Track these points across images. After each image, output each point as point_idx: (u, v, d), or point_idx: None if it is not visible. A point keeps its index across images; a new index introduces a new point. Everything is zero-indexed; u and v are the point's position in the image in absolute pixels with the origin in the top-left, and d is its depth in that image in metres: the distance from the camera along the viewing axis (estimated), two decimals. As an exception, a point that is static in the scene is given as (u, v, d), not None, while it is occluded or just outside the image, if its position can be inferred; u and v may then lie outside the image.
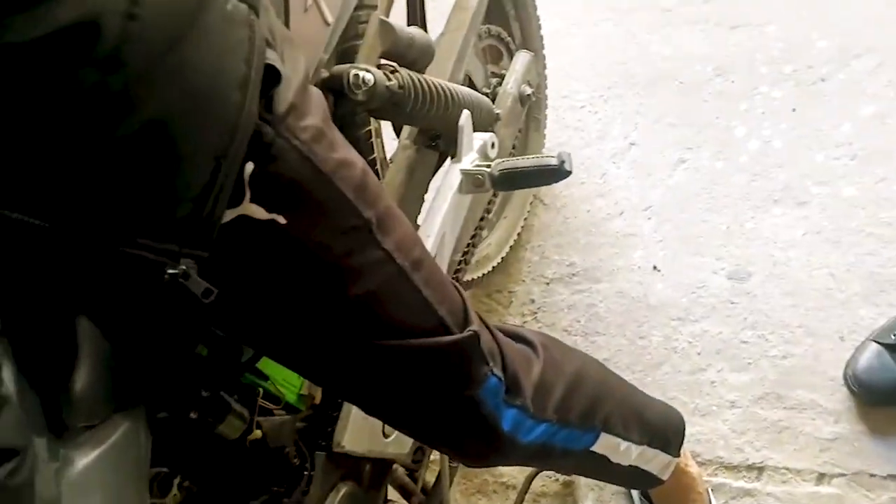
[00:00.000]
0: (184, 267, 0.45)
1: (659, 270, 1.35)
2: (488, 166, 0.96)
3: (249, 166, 0.49)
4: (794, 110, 1.47)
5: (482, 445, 0.69)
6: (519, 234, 1.48)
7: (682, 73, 1.63)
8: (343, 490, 0.80)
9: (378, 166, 1.06)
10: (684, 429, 0.96)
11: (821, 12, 1.59)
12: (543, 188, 1.54)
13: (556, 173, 0.89)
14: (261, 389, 0.70)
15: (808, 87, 1.50)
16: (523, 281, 1.46)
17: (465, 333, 0.62)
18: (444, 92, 0.96)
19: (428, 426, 0.66)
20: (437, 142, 1.06)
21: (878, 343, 1.09)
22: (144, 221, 0.45)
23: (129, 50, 0.41)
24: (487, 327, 0.68)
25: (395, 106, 0.88)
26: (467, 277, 1.30)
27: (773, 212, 1.34)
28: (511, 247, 1.45)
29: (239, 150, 0.47)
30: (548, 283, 1.44)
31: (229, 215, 0.49)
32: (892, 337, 1.08)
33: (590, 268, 1.42)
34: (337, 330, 0.57)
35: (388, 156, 1.12)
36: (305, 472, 0.78)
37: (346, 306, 0.56)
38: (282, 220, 0.51)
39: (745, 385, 1.15)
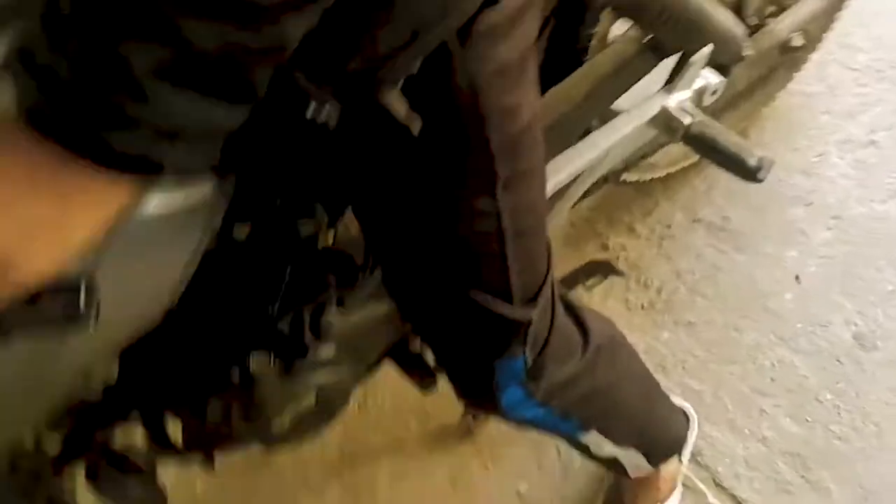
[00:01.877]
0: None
1: (800, 282, 1.25)
2: (692, 116, 0.88)
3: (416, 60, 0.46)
4: None
5: (478, 401, 0.74)
6: (700, 157, 1.37)
7: None
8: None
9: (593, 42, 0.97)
10: (680, 448, 0.98)
11: None
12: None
13: (747, 173, 0.81)
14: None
15: None
16: (671, 201, 1.39)
17: (518, 314, 0.61)
18: (698, 13, 0.85)
19: (446, 359, 0.71)
20: (665, 49, 0.96)
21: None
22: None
23: None
24: (553, 305, 0.66)
25: (638, 9, 0.80)
26: (627, 178, 1.23)
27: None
28: (684, 167, 1.36)
29: (433, 36, 0.44)
30: (693, 221, 1.36)
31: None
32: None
33: (741, 233, 1.32)
34: (409, 248, 0.58)
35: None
36: (361, 275, 0.81)
37: (428, 236, 0.57)
38: (416, 127, 0.48)
39: (787, 434, 1.12)
